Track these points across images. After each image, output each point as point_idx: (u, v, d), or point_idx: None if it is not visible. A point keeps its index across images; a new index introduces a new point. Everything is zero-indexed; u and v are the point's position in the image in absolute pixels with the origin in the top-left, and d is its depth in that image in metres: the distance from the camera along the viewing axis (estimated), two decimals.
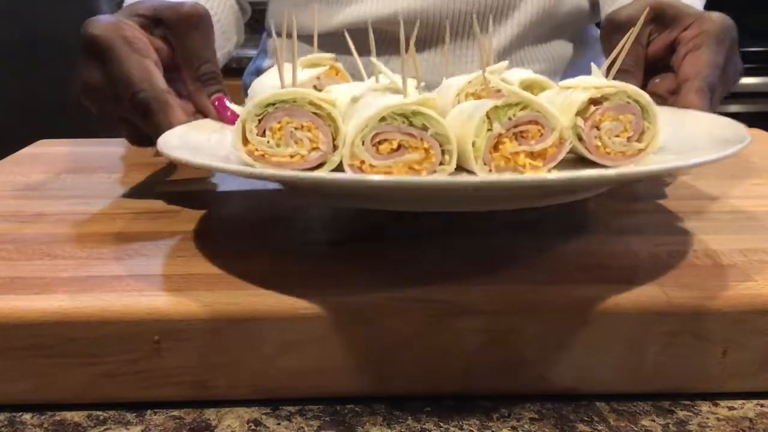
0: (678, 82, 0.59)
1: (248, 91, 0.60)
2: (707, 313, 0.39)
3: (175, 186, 0.62)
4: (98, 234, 0.49)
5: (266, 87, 0.56)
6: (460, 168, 0.48)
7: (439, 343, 0.40)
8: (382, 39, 0.91)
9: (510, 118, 0.46)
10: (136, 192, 0.60)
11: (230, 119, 0.59)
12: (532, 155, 0.48)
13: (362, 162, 0.46)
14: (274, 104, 0.45)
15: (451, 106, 0.52)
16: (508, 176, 0.40)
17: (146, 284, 0.41)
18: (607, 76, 0.51)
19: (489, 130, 0.47)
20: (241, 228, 0.50)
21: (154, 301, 0.39)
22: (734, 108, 1.81)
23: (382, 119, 0.45)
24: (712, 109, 0.57)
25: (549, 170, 0.48)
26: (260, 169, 0.42)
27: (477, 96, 0.53)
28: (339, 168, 0.46)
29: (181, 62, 0.61)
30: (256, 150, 0.46)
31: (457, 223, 0.50)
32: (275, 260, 0.44)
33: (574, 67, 0.97)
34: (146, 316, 0.38)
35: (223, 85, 0.61)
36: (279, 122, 0.45)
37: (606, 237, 0.48)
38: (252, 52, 1.17)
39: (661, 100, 0.62)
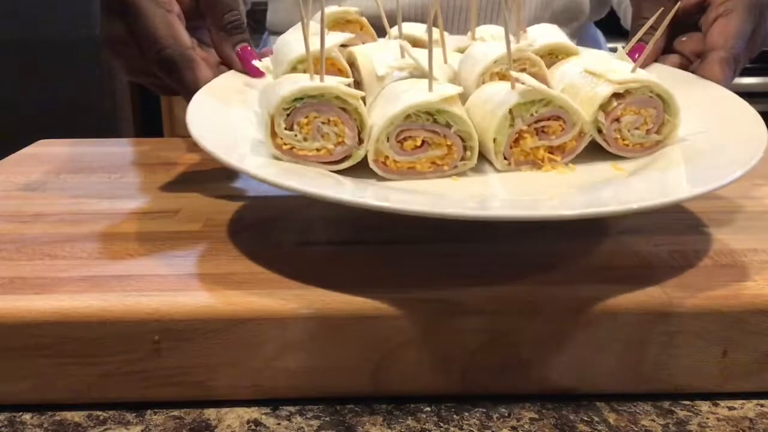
0: (704, 49, 0.58)
1: (273, 47, 0.59)
2: (707, 313, 0.39)
3: (176, 186, 0.62)
4: (98, 234, 0.49)
5: (291, 47, 0.55)
6: (480, 155, 0.48)
7: (439, 343, 0.40)
8: (379, 35, 0.90)
9: (532, 114, 0.47)
10: (136, 192, 0.60)
11: (254, 71, 0.59)
12: (550, 149, 0.48)
13: (386, 157, 0.46)
14: (301, 99, 0.46)
15: (475, 85, 0.52)
16: (528, 212, 0.40)
17: (146, 284, 0.41)
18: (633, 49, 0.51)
19: (511, 126, 0.47)
20: (240, 228, 0.50)
21: (154, 301, 0.39)
22: None
23: (407, 117, 0.46)
24: (735, 76, 0.57)
25: (566, 163, 0.49)
26: (300, 185, 0.41)
27: (501, 75, 0.53)
28: (363, 161, 0.47)
29: (204, 10, 0.60)
30: (285, 144, 0.46)
31: (458, 224, 0.50)
32: (275, 260, 0.44)
33: None
34: (146, 316, 0.38)
35: (247, 33, 0.60)
36: (306, 117, 0.46)
37: (606, 237, 0.48)
38: None
39: (685, 60, 0.62)
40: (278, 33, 0.99)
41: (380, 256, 0.45)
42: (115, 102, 1.95)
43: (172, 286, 0.41)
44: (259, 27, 1.10)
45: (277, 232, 0.50)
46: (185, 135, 0.71)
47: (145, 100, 2.04)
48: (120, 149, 0.75)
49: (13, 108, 1.90)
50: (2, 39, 1.87)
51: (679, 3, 0.54)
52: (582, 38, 0.98)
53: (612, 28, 0.98)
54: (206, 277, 0.42)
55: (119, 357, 0.39)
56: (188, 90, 0.53)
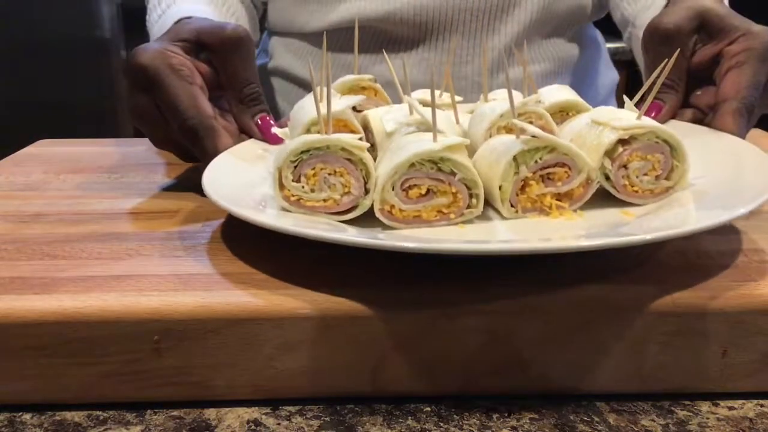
0: (717, 101, 0.58)
1: (290, 114, 0.62)
2: (707, 313, 0.39)
3: (176, 186, 0.62)
4: (98, 234, 0.49)
5: (305, 111, 0.57)
6: (487, 204, 0.48)
7: (439, 343, 0.40)
8: (377, 37, 0.91)
9: (537, 161, 0.47)
10: (136, 192, 0.60)
11: (273, 138, 0.62)
12: (558, 196, 0.48)
13: (392, 206, 0.47)
14: (308, 151, 0.46)
15: (482, 140, 0.53)
16: (537, 245, 0.41)
17: (146, 284, 0.41)
18: (643, 99, 0.51)
19: (516, 173, 0.47)
20: (240, 228, 0.50)
21: (154, 301, 0.39)
22: None
23: (412, 165, 0.46)
24: (749, 126, 0.57)
25: (575, 210, 0.48)
26: (314, 231, 0.42)
27: (508, 129, 0.53)
28: (370, 211, 0.47)
29: (224, 84, 0.63)
30: (292, 195, 0.47)
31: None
32: (275, 260, 0.44)
33: (575, 68, 0.96)
34: (146, 316, 0.39)
35: (266, 104, 0.64)
36: (313, 168, 0.47)
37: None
38: None
39: (700, 114, 0.62)
40: (277, 33, 0.99)
41: (380, 256, 0.45)
42: (115, 102, 1.95)
43: (172, 286, 0.41)
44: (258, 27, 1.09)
45: (276, 231, 0.50)
46: None
47: None
48: (120, 149, 0.75)
49: (13, 108, 1.90)
50: (2, 39, 1.87)
51: (679, 50, 0.54)
52: (582, 39, 0.98)
53: (612, 29, 0.98)
54: (206, 277, 0.42)
55: (119, 357, 0.39)
56: (210, 157, 0.55)
